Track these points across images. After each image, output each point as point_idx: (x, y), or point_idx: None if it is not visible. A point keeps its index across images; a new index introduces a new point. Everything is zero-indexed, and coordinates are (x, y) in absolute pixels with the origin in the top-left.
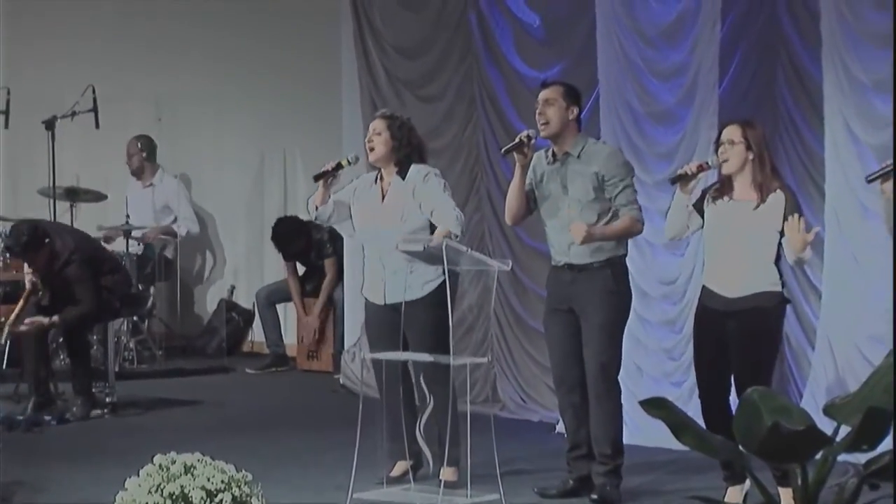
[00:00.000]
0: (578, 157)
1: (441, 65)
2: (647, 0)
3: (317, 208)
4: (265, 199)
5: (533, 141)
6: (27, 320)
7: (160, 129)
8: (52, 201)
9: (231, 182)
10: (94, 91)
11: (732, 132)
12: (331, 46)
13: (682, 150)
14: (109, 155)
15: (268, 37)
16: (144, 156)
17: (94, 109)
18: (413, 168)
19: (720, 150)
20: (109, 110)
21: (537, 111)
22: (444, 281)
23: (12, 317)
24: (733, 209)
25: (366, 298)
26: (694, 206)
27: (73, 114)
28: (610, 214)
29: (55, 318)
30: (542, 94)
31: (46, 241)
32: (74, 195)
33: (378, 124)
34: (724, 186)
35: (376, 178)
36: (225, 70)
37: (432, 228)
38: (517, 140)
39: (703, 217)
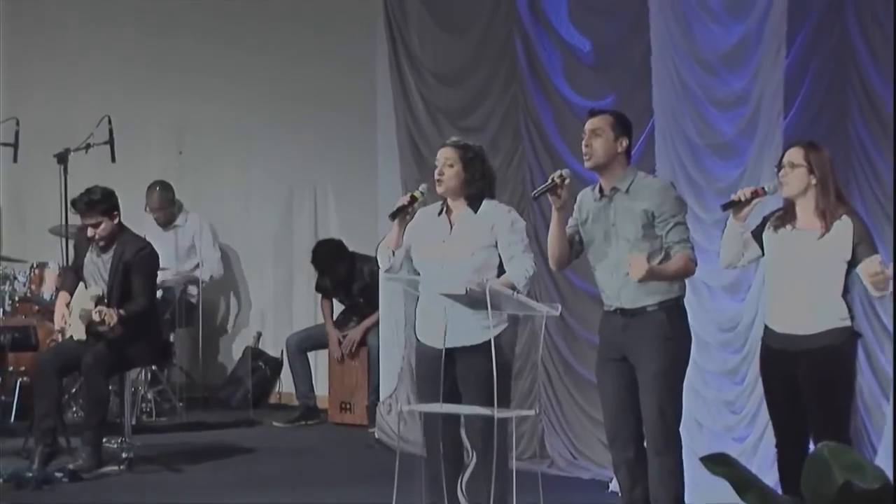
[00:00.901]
0: (627, 192)
1: (483, 93)
2: (705, 23)
3: (393, 254)
4: (294, 238)
5: (567, 181)
6: (97, 308)
7: (181, 162)
8: (63, 241)
9: (257, 219)
10: (109, 122)
11: (794, 154)
12: (365, 73)
13: (743, 185)
14: (127, 190)
15: (297, 63)
16: (170, 200)
17: (111, 142)
18: (489, 204)
19: (780, 172)
20: (126, 142)
21: (583, 142)
22: (509, 326)
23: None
24: (796, 239)
25: (419, 341)
26: (753, 232)
27: (88, 146)
28: (662, 254)
29: (121, 310)
30: (589, 124)
31: (116, 213)
32: None
33: (449, 154)
34: (786, 214)
35: (441, 209)
36: (251, 98)
37: (500, 270)
38: (549, 181)
39: (761, 245)
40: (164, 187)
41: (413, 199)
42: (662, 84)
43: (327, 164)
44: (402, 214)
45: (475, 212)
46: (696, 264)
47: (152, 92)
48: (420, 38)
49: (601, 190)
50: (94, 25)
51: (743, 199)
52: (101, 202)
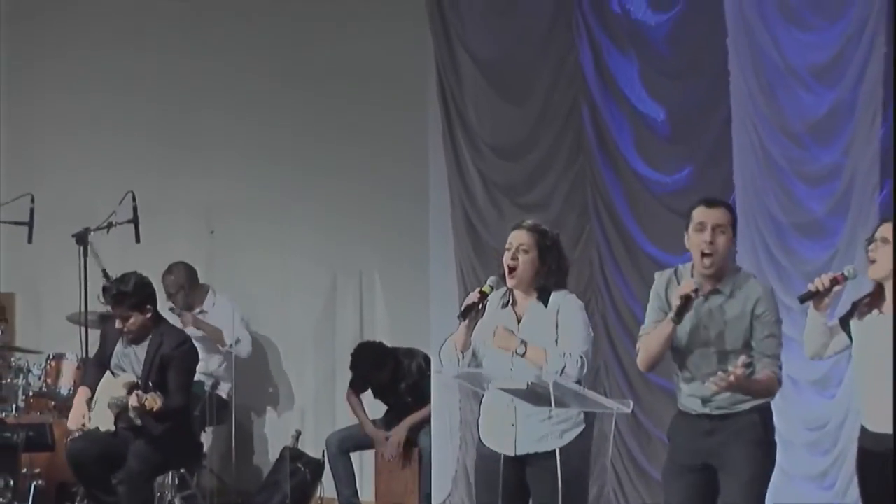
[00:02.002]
0: (730, 295)
1: (546, 167)
2: (793, 89)
3: (462, 356)
4: (337, 330)
5: (700, 291)
6: (136, 392)
7: (212, 243)
8: (83, 330)
9: (297, 308)
10: (134, 199)
11: (886, 230)
12: (416, 147)
13: (834, 269)
14: (152, 274)
15: (340, 137)
16: (187, 289)
17: (135, 221)
18: (559, 295)
19: (870, 248)
20: (152, 222)
21: (704, 239)
22: (587, 427)
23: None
24: (883, 325)
25: (481, 443)
26: (842, 319)
27: (110, 225)
28: (750, 360)
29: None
30: (711, 217)
31: (149, 307)
32: None
33: (524, 238)
34: (873, 298)
35: (507, 301)
36: (289, 175)
37: None
38: (686, 295)
39: (850, 333)
40: (180, 267)
41: (483, 296)
42: (744, 156)
43: (374, 248)
44: (472, 313)
45: (545, 305)
46: (780, 385)
47: (181, 166)
48: (476, 107)
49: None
50: (117, 94)
51: (821, 288)
52: (131, 295)
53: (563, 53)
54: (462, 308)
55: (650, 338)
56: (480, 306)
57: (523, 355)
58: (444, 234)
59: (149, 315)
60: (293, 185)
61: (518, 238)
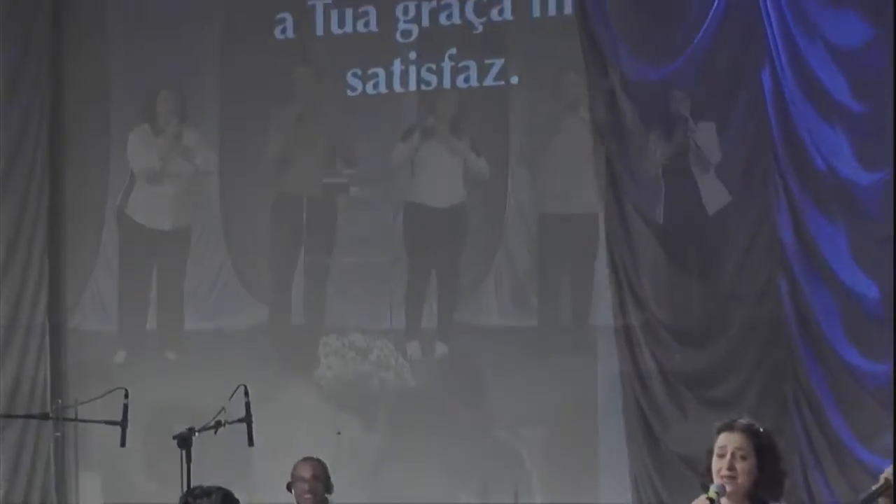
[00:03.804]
0: None
1: (738, 354)
2: None
3: None
4: None
5: None
6: None
7: (339, 446)
8: None
9: None
10: (246, 393)
11: None
12: (580, 330)
13: None
14: (267, 483)
15: None
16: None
17: (248, 419)
18: None
19: None
20: (267, 419)
21: None
22: None
23: None
24: None
25: None
26: None
27: (218, 425)
28: None
29: None
30: None
31: None
32: None
33: (741, 442)
34: None
35: None
36: (422, 363)
37: None
38: (882, 483)
39: None
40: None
41: (711, 503)
42: None
43: (532, 454)
44: None
45: None
46: None
47: (303, 353)
48: (653, 283)
49: None
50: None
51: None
52: None
53: (758, 218)
54: None
55: None
56: None
57: None
58: (615, 438)
59: None
60: (423, 371)
61: (733, 441)
